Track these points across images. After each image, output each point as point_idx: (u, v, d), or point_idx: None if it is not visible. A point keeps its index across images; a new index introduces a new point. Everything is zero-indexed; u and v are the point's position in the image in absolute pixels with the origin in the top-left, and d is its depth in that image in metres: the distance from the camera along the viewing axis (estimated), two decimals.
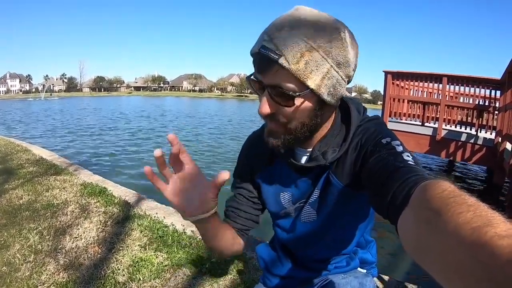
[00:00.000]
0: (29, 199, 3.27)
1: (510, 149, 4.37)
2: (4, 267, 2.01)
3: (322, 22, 0.73)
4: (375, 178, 0.71)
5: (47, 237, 2.43)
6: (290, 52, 0.69)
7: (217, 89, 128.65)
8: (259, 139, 1.03)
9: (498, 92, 6.31)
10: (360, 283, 1.04)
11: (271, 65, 0.71)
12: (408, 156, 0.71)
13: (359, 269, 1.17)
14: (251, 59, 0.79)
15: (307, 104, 0.76)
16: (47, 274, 1.96)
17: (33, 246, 2.27)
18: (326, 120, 0.87)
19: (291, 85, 0.72)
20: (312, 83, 0.72)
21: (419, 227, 0.45)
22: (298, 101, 0.75)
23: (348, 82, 0.82)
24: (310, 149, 0.91)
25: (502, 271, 0.27)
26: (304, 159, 0.93)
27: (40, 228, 2.58)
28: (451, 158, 7.05)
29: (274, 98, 0.75)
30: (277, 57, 0.70)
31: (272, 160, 1.03)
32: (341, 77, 0.77)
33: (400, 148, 0.75)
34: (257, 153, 1.06)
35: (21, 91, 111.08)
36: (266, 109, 0.77)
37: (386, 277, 2.05)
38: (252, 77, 0.80)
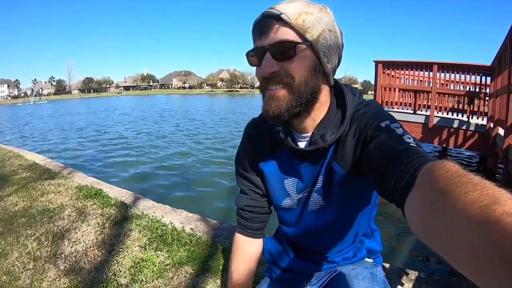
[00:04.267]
0: (24, 205, 3.22)
1: (502, 134, 4.40)
2: (4, 277, 1.98)
3: (311, 2, 0.84)
4: (378, 163, 0.71)
5: (45, 243, 2.40)
6: (290, 11, 0.78)
7: (207, 85, 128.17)
8: (260, 126, 1.04)
9: (489, 78, 6.36)
10: (371, 273, 1.04)
11: (273, 24, 0.80)
12: (409, 138, 0.72)
13: (366, 259, 1.17)
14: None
15: (308, 58, 0.81)
16: (48, 281, 1.93)
17: (32, 253, 2.24)
18: (324, 100, 0.90)
19: (292, 37, 0.79)
20: (310, 36, 0.79)
21: (426, 209, 0.45)
22: (299, 53, 0.80)
23: (339, 59, 0.88)
24: (309, 134, 0.93)
25: None
26: (304, 144, 0.94)
27: (37, 234, 2.54)
28: (444, 145, 7.11)
29: (276, 54, 0.80)
30: (279, 13, 0.78)
31: (274, 147, 1.04)
32: (333, 44, 0.83)
33: (400, 131, 0.76)
34: (259, 139, 1.07)
35: (9, 97, 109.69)
36: (269, 66, 0.81)
37: (387, 265, 2.06)
38: (252, 49, 0.85)
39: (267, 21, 0.80)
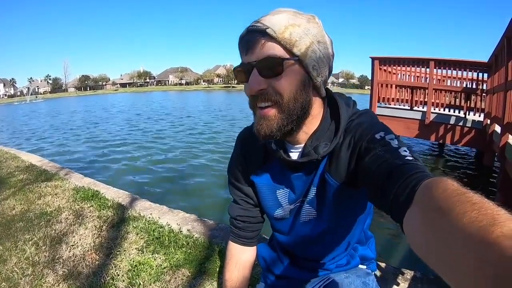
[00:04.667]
0: (21, 208, 3.21)
1: (499, 131, 4.42)
2: (3, 283, 1.98)
3: (299, 12, 0.82)
4: (374, 176, 0.71)
5: (43, 247, 2.40)
6: (276, 25, 0.76)
7: (203, 81, 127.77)
8: (253, 136, 1.05)
9: (486, 75, 6.36)
10: (363, 283, 1.04)
11: (259, 39, 0.77)
12: (405, 151, 0.71)
13: (359, 266, 1.18)
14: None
15: (296, 74, 0.80)
16: (47, 287, 1.94)
17: (30, 258, 2.24)
18: (315, 112, 0.89)
19: (279, 53, 0.77)
20: (298, 51, 0.77)
21: (425, 228, 0.45)
22: (287, 69, 0.78)
23: (329, 70, 0.86)
24: (302, 145, 0.92)
25: (510, 271, 0.28)
26: (296, 155, 0.94)
27: (35, 238, 2.53)
28: (441, 141, 7.11)
29: (263, 71, 0.78)
30: (264, 27, 0.75)
31: (266, 157, 1.04)
32: (323, 55, 0.81)
33: (395, 143, 0.75)
34: (251, 149, 1.07)
35: (5, 96, 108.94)
36: (257, 83, 0.79)
37: (382, 264, 2.07)
38: (239, 65, 0.84)
39: (253, 36, 0.78)
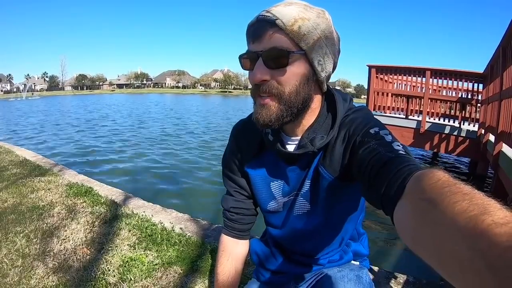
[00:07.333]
0: (14, 201, 3.19)
1: (493, 140, 4.45)
2: None
3: (310, 5, 0.81)
4: (367, 170, 0.71)
5: (34, 240, 2.38)
6: (286, 17, 0.75)
7: (200, 85, 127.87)
8: (248, 128, 1.04)
9: (481, 86, 6.43)
10: (357, 276, 1.05)
11: (267, 29, 0.77)
12: (398, 145, 0.72)
13: (352, 261, 1.18)
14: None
15: (300, 67, 0.80)
16: (36, 279, 1.92)
17: (21, 250, 2.22)
18: (314, 106, 0.89)
19: (285, 45, 0.76)
20: (305, 45, 0.77)
21: (415, 219, 0.45)
22: (292, 62, 0.78)
23: (334, 66, 0.86)
24: (299, 138, 0.92)
25: (501, 259, 0.28)
26: (292, 147, 0.94)
27: (26, 231, 2.51)
28: (435, 150, 7.15)
29: (268, 62, 0.78)
30: (274, 18, 0.76)
31: (261, 149, 1.03)
32: (329, 51, 0.82)
33: (389, 138, 0.76)
34: (246, 141, 1.07)
35: (1, 91, 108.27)
36: (261, 73, 0.79)
37: (375, 268, 2.07)
38: (245, 52, 0.83)
39: (262, 25, 0.78)
